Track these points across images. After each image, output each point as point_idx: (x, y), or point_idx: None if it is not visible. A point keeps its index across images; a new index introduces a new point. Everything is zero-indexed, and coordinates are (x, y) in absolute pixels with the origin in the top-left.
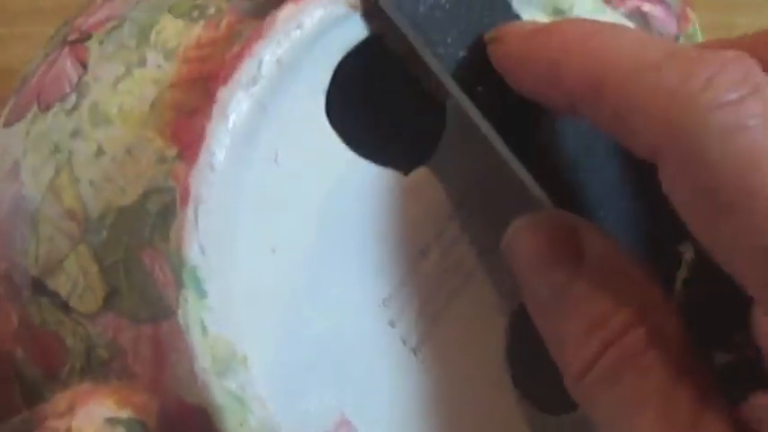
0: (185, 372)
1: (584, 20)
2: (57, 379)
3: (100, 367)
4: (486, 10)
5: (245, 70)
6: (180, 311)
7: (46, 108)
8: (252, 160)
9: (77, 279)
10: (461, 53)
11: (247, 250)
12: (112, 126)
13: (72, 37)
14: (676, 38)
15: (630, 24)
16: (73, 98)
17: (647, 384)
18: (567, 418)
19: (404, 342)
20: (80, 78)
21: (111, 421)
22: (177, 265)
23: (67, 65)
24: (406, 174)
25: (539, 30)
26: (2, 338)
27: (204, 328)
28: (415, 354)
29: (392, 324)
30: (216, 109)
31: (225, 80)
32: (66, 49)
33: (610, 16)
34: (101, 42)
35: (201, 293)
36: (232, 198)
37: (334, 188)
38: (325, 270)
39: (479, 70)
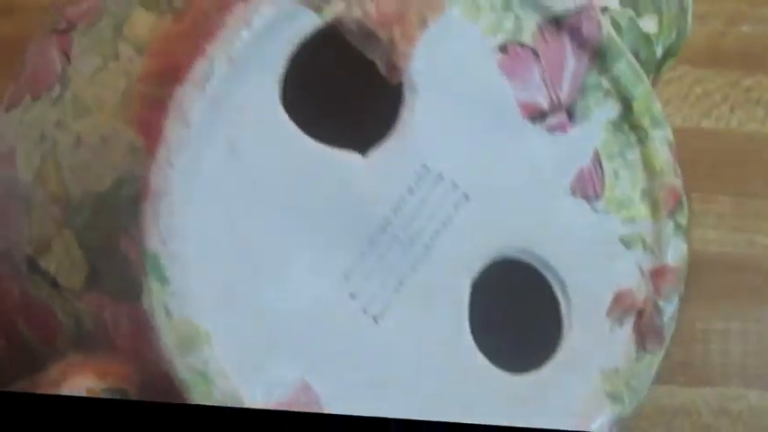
0: (158, 346)
1: None
2: (53, 348)
3: (87, 338)
4: None
5: (199, 69)
6: (144, 298)
7: (36, 97)
8: (209, 152)
9: (63, 259)
10: None
11: (207, 235)
12: (89, 117)
13: (60, 26)
14: None
15: None
16: (57, 89)
17: None
18: (530, 377)
19: (364, 311)
20: (63, 69)
21: (92, 391)
22: (142, 254)
23: (54, 55)
24: (363, 155)
25: None
26: (7, 309)
27: (168, 312)
28: (376, 321)
29: (353, 296)
30: (173, 107)
31: (180, 79)
32: (54, 39)
33: None
34: (82, 34)
35: (164, 281)
36: (191, 189)
37: (293, 171)
38: (285, 248)
39: None
